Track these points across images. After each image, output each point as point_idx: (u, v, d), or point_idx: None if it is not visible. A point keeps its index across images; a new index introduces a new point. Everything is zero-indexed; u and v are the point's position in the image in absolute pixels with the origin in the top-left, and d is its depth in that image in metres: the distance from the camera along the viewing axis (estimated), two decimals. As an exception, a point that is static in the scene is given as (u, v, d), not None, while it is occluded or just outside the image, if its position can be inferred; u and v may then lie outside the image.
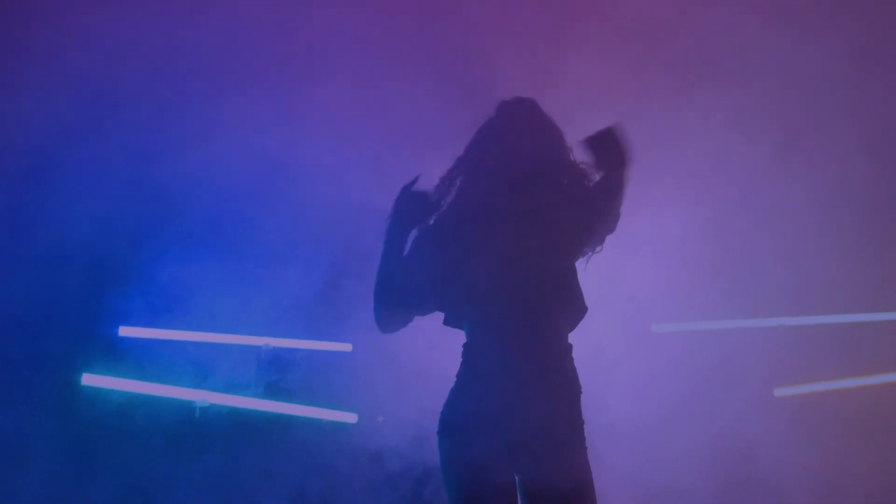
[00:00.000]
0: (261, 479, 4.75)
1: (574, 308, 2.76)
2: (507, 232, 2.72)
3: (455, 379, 2.77)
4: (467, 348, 2.78)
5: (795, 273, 4.97)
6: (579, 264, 2.84)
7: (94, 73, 4.66)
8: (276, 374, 4.90)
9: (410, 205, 2.85)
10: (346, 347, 5.00)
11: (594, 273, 2.93)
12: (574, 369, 2.74)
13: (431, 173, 4.64)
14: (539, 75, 4.41)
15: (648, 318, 4.93)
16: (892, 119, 4.81)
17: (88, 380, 4.64)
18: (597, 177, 2.81)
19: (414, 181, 2.88)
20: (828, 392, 5.01)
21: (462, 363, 2.77)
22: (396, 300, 2.83)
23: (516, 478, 2.67)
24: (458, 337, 4.52)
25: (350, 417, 4.91)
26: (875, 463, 4.67)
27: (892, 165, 4.87)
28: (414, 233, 2.89)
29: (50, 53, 4.62)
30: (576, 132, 2.89)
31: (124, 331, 4.76)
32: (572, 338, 2.77)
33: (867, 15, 4.82)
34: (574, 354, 2.77)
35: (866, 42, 4.78)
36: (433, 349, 4.55)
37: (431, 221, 2.88)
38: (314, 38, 4.86)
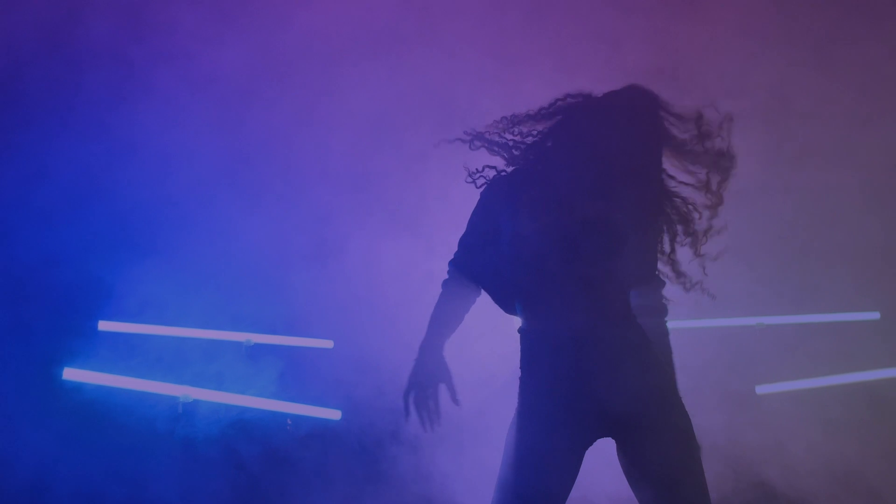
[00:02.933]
0: (243, 475, 4.75)
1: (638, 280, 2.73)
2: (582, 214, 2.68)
3: (520, 367, 2.74)
4: (529, 331, 2.73)
5: (777, 273, 5.01)
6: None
7: (85, 76, 4.69)
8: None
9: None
10: (328, 344, 5.00)
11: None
12: (638, 325, 2.71)
13: (415, 174, 4.71)
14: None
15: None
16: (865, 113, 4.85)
17: (70, 374, 4.64)
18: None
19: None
20: (808, 390, 5.05)
21: (525, 346, 2.73)
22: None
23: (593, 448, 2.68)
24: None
25: (334, 414, 4.91)
26: (854, 459, 4.70)
27: (873, 167, 4.90)
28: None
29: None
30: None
31: (104, 325, 4.75)
32: None
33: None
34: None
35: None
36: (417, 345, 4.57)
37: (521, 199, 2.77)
38: (317, 36, 4.87)
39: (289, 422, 4.90)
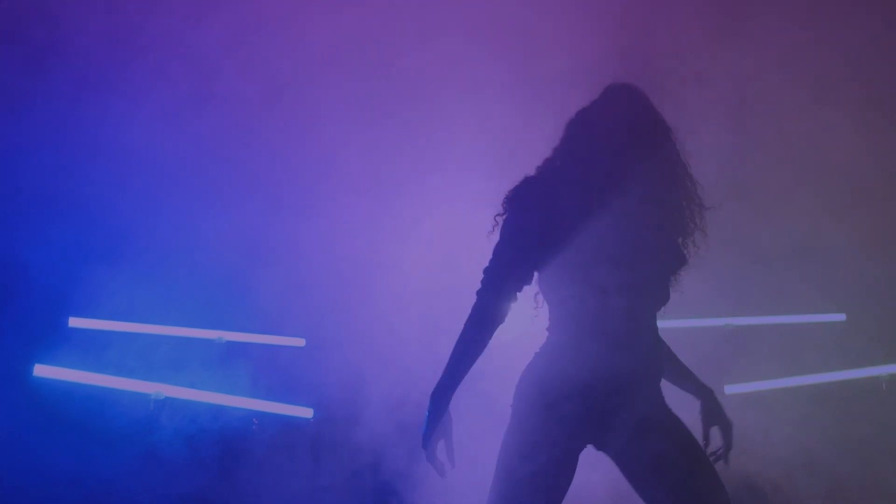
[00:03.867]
0: (213, 473, 4.74)
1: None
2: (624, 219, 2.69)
3: (545, 352, 2.73)
4: (565, 322, 2.73)
5: (745, 275, 5.06)
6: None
7: (50, 72, 4.66)
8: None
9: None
10: (299, 342, 5.00)
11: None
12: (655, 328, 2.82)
13: (387, 172, 4.71)
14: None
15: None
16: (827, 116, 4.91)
17: (40, 371, 4.61)
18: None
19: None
20: (775, 390, 5.11)
21: (558, 336, 2.73)
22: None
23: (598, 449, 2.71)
24: (412, 333, 4.58)
25: (305, 412, 4.91)
26: (820, 457, 4.77)
27: (838, 171, 4.96)
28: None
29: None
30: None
31: (75, 322, 4.73)
32: None
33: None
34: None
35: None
36: (386, 343, 4.58)
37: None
38: (282, 30, 4.86)
39: (255, 421, 4.90)
